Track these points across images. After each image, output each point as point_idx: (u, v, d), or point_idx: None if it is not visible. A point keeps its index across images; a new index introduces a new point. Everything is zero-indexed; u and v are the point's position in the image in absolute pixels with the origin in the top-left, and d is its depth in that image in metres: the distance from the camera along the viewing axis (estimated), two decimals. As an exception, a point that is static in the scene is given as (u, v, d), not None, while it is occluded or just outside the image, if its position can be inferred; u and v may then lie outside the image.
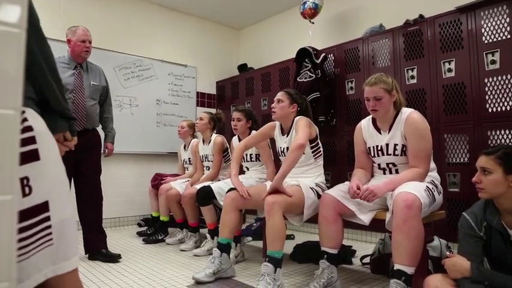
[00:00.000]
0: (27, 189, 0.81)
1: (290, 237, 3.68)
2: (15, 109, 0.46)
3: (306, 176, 2.45)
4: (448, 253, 2.24)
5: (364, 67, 3.55)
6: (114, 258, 2.81)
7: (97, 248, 2.84)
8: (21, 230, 0.80)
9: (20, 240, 0.80)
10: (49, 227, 0.86)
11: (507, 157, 1.54)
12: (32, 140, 0.83)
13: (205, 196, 2.94)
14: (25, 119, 0.83)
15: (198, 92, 5.22)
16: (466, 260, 1.51)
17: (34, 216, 0.83)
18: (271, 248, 2.10)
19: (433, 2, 3.36)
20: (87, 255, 2.85)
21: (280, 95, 2.57)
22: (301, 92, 3.67)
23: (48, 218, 0.86)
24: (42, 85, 1.01)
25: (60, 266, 0.89)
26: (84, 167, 2.80)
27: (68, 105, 1.19)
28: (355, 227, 3.30)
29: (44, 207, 0.85)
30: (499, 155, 1.55)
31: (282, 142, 2.59)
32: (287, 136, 2.55)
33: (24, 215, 0.80)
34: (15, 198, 0.45)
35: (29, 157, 0.82)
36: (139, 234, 3.78)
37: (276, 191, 2.21)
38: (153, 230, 3.70)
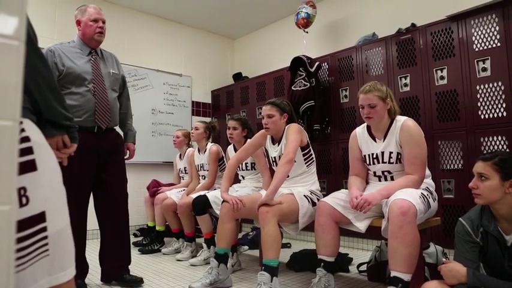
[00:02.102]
0: (24, 200, 0.81)
1: (287, 245, 3.67)
2: (13, 120, 0.46)
3: (299, 185, 2.45)
4: (444, 259, 2.25)
5: (358, 75, 3.58)
6: (137, 284, 2.39)
7: (116, 275, 2.38)
8: (18, 241, 0.80)
9: (17, 251, 0.80)
10: (45, 237, 0.86)
11: (504, 163, 1.56)
12: (29, 151, 0.83)
13: (201, 205, 2.93)
14: (22, 130, 0.83)
15: (193, 101, 5.23)
16: (462, 266, 1.51)
17: (31, 227, 0.83)
18: (266, 257, 2.10)
19: (425, 11, 3.42)
20: (101, 283, 2.43)
21: (268, 109, 2.49)
22: (296, 100, 3.70)
23: (44, 229, 0.85)
24: (36, 96, 1.02)
25: (56, 277, 0.89)
26: (108, 176, 2.33)
27: (68, 112, 1.19)
28: (352, 235, 3.30)
29: (40, 217, 0.84)
30: (496, 161, 1.57)
31: (273, 151, 2.60)
32: (278, 145, 2.55)
33: (21, 225, 0.80)
34: (13, 209, 0.45)
35: (26, 167, 0.82)
36: (135, 244, 3.75)
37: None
38: (149, 240, 3.68)
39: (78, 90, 2.20)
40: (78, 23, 2.30)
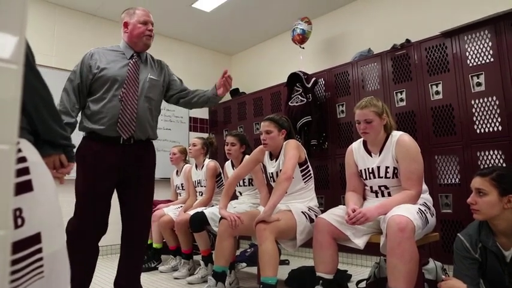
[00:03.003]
0: (19, 221, 0.80)
1: (285, 262, 3.63)
2: (11, 144, 0.47)
3: (297, 201, 2.44)
4: (443, 276, 2.23)
5: (354, 91, 3.61)
6: None
7: None
8: (12, 263, 0.79)
9: (12, 273, 0.79)
10: (41, 259, 0.85)
11: (502, 178, 1.56)
12: (25, 171, 0.83)
13: (199, 222, 2.91)
14: (19, 150, 0.83)
15: (190, 117, 5.24)
16: (462, 283, 1.51)
17: (26, 249, 0.82)
18: (264, 274, 2.08)
19: (419, 27, 3.47)
20: None
21: (267, 125, 2.51)
22: (293, 116, 3.72)
23: (40, 250, 0.84)
24: (33, 116, 1.03)
25: None
26: (129, 195, 2.09)
27: (66, 131, 1.19)
28: (350, 251, 3.28)
29: (36, 238, 0.84)
30: (494, 176, 1.57)
31: (271, 167, 2.59)
32: (276, 161, 2.55)
33: (15, 247, 0.79)
34: (8, 233, 0.45)
35: (22, 188, 0.82)
36: (132, 262, 3.70)
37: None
38: (146, 258, 3.63)
39: (105, 95, 2.02)
40: (126, 25, 2.13)
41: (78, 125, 2.06)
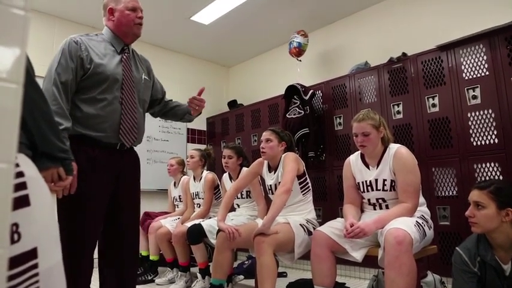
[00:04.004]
0: (15, 236, 0.80)
1: (283, 274, 3.61)
2: (9, 162, 0.47)
3: (295, 214, 2.44)
4: (442, 289, 2.22)
5: (351, 103, 3.63)
6: None
7: None
8: (8, 279, 0.78)
9: (7, 290, 0.78)
10: (37, 274, 0.84)
11: (500, 192, 1.56)
12: (23, 186, 0.83)
13: (196, 234, 2.90)
14: (17, 165, 0.83)
15: (188, 129, 5.25)
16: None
17: (22, 264, 0.81)
18: (263, 288, 2.06)
19: (415, 41, 3.51)
20: None
21: (268, 134, 2.55)
22: (291, 128, 3.73)
23: (36, 266, 0.84)
24: (31, 129, 1.03)
25: None
26: (124, 201, 1.85)
27: (64, 144, 1.18)
28: (348, 263, 3.25)
29: (32, 254, 0.83)
30: (492, 189, 1.57)
31: (269, 179, 2.60)
32: (274, 173, 2.55)
33: (11, 262, 0.78)
34: (5, 252, 0.45)
35: (20, 203, 0.82)
36: (128, 275, 3.66)
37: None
38: (142, 270, 3.59)
39: (105, 96, 1.75)
40: (111, 11, 1.84)
41: None
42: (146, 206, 4.33)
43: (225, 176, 3.30)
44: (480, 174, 2.74)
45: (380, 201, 2.14)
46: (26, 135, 1.00)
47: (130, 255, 1.90)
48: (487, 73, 2.77)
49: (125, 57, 1.85)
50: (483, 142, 2.76)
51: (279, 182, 2.39)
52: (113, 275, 1.83)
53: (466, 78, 2.88)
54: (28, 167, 0.88)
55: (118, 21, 1.84)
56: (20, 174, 0.83)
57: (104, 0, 1.89)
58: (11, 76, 0.50)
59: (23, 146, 0.96)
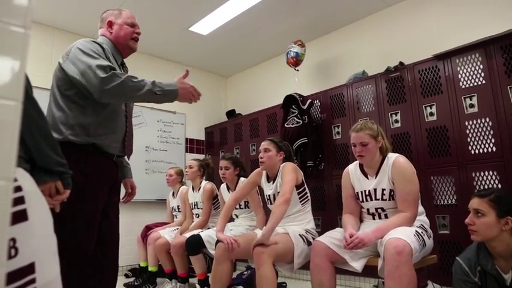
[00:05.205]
0: (13, 251, 0.79)
1: (282, 285, 3.58)
2: (7, 180, 0.47)
3: (295, 224, 2.43)
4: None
5: (349, 112, 3.64)
6: None
7: None
8: (5, 295, 0.78)
9: (4, 306, 0.78)
10: None
11: (500, 200, 1.57)
12: (20, 200, 0.83)
13: (195, 245, 2.88)
14: (15, 179, 0.83)
15: (187, 138, 5.25)
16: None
17: (19, 279, 0.80)
18: (262, 300, 2.04)
19: (412, 50, 3.54)
20: None
21: (266, 144, 2.56)
22: (289, 138, 3.74)
23: (33, 281, 0.83)
24: (29, 144, 1.03)
25: None
26: (111, 212, 1.81)
27: (62, 158, 1.18)
28: (348, 274, 3.24)
29: (29, 269, 0.83)
30: (492, 198, 1.58)
31: (268, 189, 2.59)
32: (273, 183, 2.55)
33: (8, 278, 0.78)
34: (2, 270, 0.45)
35: (17, 218, 0.81)
36: (127, 286, 3.63)
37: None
38: (141, 281, 3.57)
39: (114, 107, 1.78)
40: (110, 24, 1.86)
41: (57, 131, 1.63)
42: (145, 216, 4.32)
43: (223, 186, 3.30)
44: (479, 183, 2.74)
45: (379, 210, 2.14)
46: (24, 149, 1.00)
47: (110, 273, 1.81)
48: (484, 82, 2.79)
49: (124, 71, 1.90)
50: (481, 150, 2.77)
51: (278, 192, 2.39)
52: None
53: (463, 87, 2.90)
54: (26, 181, 0.88)
55: (116, 34, 1.86)
56: (18, 189, 0.83)
57: (103, 13, 1.92)
58: (10, 93, 0.50)
59: (21, 160, 0.96)
